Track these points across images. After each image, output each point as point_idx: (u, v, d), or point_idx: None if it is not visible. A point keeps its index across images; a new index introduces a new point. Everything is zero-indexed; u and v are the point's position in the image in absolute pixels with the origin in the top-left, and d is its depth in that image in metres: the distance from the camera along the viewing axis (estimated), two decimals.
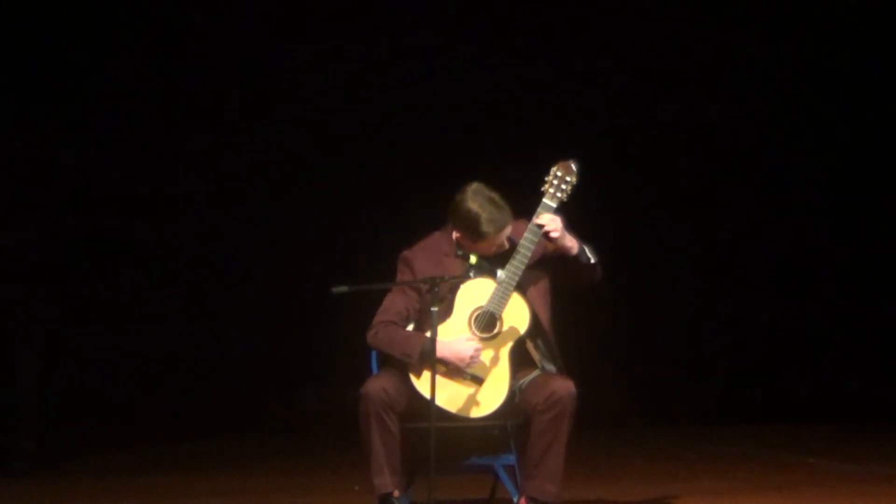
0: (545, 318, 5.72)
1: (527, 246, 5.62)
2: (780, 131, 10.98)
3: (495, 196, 5.66)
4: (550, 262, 5.73)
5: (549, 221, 5.61)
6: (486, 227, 5.63)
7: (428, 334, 5.52)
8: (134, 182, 10.53)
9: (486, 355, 5.63)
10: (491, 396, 5.60)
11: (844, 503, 6.67)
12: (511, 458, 5.71)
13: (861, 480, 7.34)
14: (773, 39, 10.77)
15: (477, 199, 5.64)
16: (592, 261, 5.69)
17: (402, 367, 5.63)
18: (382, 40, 10.53)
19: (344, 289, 5.54)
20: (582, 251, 5.68)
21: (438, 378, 5.49)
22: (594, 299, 6.02)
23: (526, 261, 5.61)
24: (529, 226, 5.63)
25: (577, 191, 5.65)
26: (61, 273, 9.29)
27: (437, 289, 5.53)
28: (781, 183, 11.02)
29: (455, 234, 5.72)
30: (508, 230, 5.67)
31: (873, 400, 10.52)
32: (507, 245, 5.70)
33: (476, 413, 5.61)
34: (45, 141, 10.05)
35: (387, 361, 5.75)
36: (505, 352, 5.64)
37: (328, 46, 10.53)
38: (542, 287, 5.73)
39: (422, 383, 5.56)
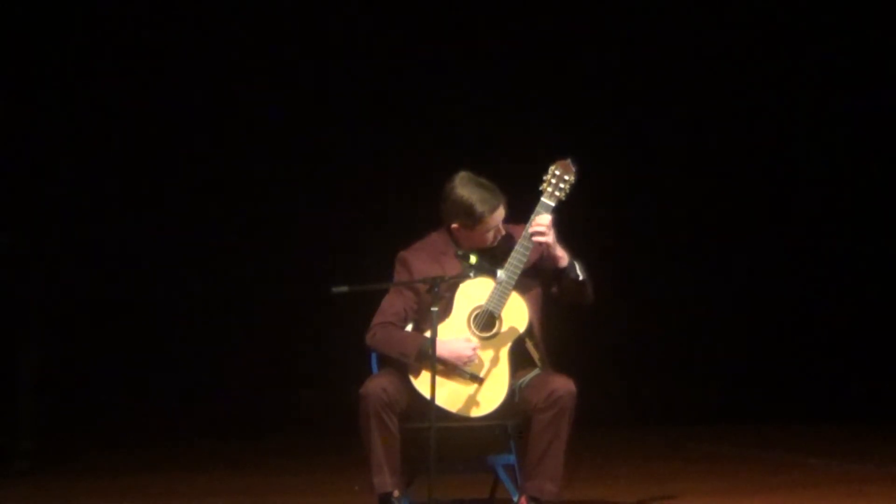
0: (537, 324, 5.73)
1: (525, 245, 5.62)
2: (781, 132, 10.98)
3: (483, 180, 5.69)
4: (545, 269, 5.73)
5: (544, 226, 5.59)
6: (479, 208, 5.63)
7: (427, 334, 5.53)
8: (131, 182, 10.54)
9: (486, 355, 5.64)
10: (491, 396, 5.60)
11: (844, 503, 6.67)
12: (511, 458, 5.71)
13: (861, 480, 7.34)
14: (777, 42, 10.79)
15: (466, 185, 5.66)
16: (581, 277, 5.69)
17: (401, 367, 5.64)
18: (381, 39, 10.54)
19: (344, 289, 5.54)
20: (572, 266, 5.67)
21: (437, 378, 5.49)
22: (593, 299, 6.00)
23: (524, 259, 5.61)
24: (524, 231, 5.63)
25: (576, 189, 5.65)
26: (61, 272, 9.31)
27: (436, 288, 5.53)
28: (783, 183, 11.03)
29: (453, 226, 5.72)
30: (502, 213, 5.68)
31: (873, 400, 10.51)
32: (503, 231, 5.70)
33: (476, 413, 5.61)
34: (44, 141, 10.08)
35: (387, 362, 5.75)
36: (504, 351, 5.64)
37: (326, 45, 10.54)
38: (534, 293, 5.73)
39: (421, 383, 5.56)
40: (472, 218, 5.65)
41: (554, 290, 5.75)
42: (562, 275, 5.68)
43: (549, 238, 5.62)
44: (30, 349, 7.92)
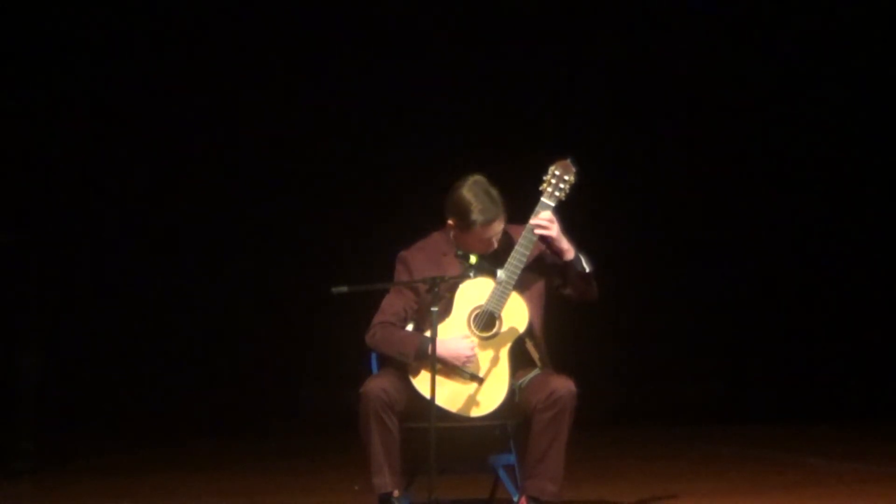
0: (538, 322, 5.73)
1: (524, 245, 5.62)
2: (779, 128, 10.98)
3: (493, 191, 5.67)
4: (547, 268, 5.73)
5: (545, 220, 5.60)
6: (475, 216, 5.63)
7: (427, 334, 5.52)
8: (133, 182, 10.54)
9: (486, 355, 5.63)
10: (491, 396, 5.60)
11: (844, 503, 6.67)
12: (511, 458, 5.71)
13: (861, 480, 7.34)
14: (776, 41, 10.79)
15: (474, 189, 5.66)
16: (587, 270, 5.69)
17: (401, 366, 5.64)
18: (381, 39, 10.54)
19: (344, 289, 5.54)
20: (577, 259, 5.68)
21: (437, 378, 5.49)
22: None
23: (524, 259, 5.61)
24: (527, 225, 5.64)
25: (577, 189, 5.65)
26: (61, 273, 9.31)
27: (436, 288, 5.53)
28: (782, 181, 11.01)
29: (448, 222, 5.72)
30: (499, 227, 5.67)
31: (873, 400, 10.51)
32: (496, 244, 5.70)
33: (476, 413, 5.61)
34: (44, 141, 10.09)
35: (387, 361, 5.75)
36: (504, 351, 5.64)
37: (326, 45, 10.54)
38: (535, 291, 5.73)
39: (420, 383, 5.56)
40: (465, 222, 5.65)
41: (559, 287, 5.74)
42: (567, 268, 5.68)
43: (553, 231, 5.62)
44: (30, 349, 7.92)
